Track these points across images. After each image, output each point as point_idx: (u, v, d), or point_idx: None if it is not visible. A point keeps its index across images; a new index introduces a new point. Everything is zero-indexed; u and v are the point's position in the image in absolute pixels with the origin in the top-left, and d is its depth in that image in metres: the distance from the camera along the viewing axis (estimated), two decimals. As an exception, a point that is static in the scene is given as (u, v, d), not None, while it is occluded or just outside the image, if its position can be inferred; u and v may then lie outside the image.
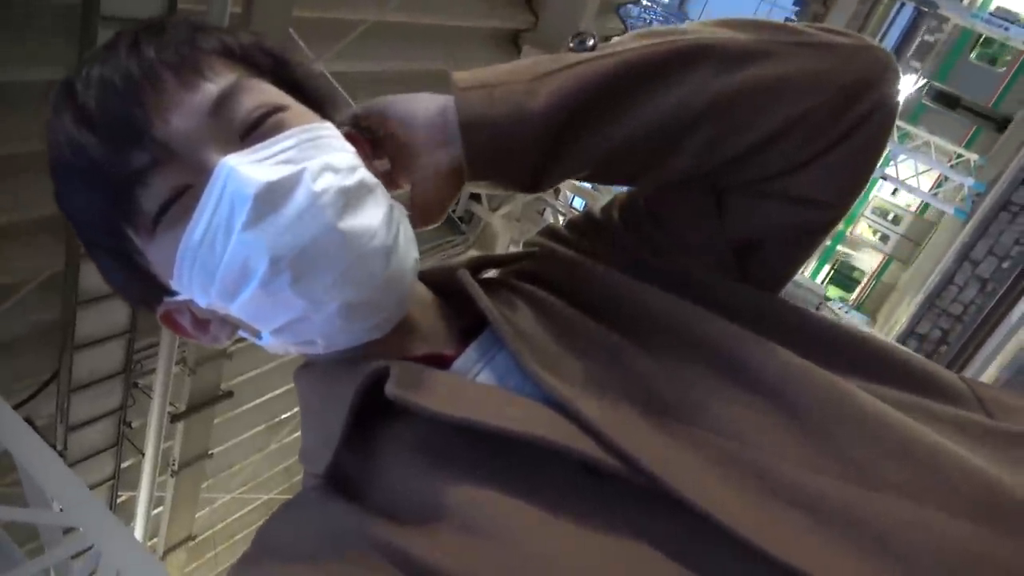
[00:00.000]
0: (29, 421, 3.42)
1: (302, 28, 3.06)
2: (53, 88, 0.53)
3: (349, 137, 0.59)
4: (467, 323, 0.59)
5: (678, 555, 0.43)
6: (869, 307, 11.62)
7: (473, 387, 0.52)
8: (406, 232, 0.56)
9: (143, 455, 3.73)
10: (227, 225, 0.48)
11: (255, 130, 0.52)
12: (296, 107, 0.55)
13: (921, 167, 10.94)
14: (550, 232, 0.70)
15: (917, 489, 0.45)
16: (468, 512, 0.46)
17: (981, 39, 11.20)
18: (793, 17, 10.93)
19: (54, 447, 3.47)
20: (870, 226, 13.16)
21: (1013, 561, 0.42)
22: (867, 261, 13.53)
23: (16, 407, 3.06)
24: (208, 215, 0.49)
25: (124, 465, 4.01)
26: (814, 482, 0.45)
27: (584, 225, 0.70)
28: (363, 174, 0.53)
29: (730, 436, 0.48)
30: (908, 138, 10.95)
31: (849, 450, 0.47)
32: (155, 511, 4.33)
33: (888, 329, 10.16)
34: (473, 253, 5.91)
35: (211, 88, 0.51)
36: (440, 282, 0.63)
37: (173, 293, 0.55)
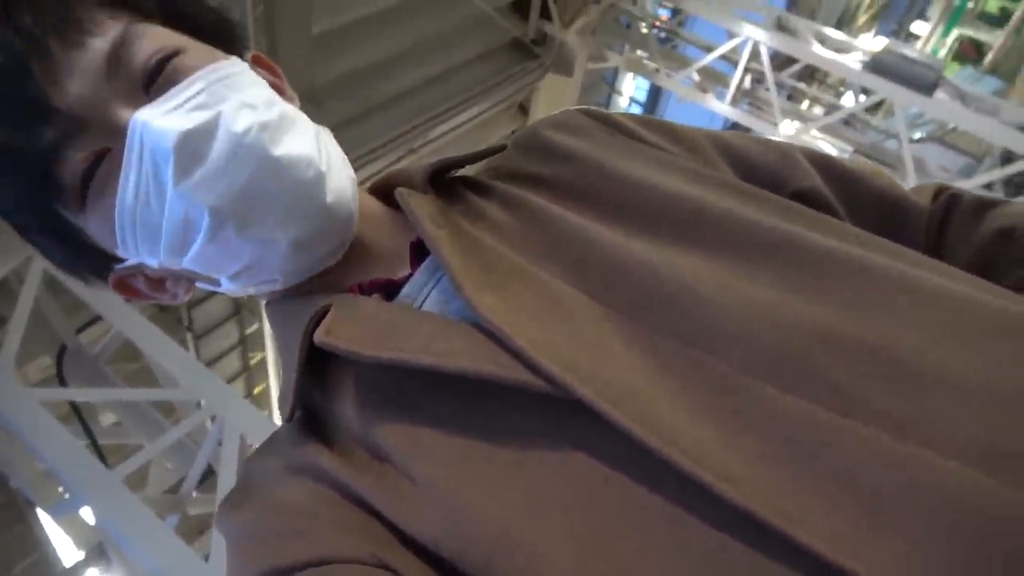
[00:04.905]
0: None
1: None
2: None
3: (257, 62, 0.58)
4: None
5: (621, 474, 0.40)
6: (1006, 70, 10.31)
7: (408, 319, 0.49)
8: (336, 152, 0.55)
9: (261, 321, 4.02)
10: (157, 182, 0.47)
11: (156, 78, 0.49)
12: (194, 47, 0.52)
13: None
14: (599, 116, 0.62)
15: (904, 421, 0.38)
16: (405, 458, 0.45)
17: None
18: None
19: (181, 321, 3.81)
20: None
21: (1008, 511, 0.34)
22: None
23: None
24: (134, 175, 0.47)
25: (249, 331, 4.36)
26: (782, 403, 0.39)
27: (673, 133, 0.61)
28: (282, 106, 0.52)
29: (699, 342, 0.43)
30: None
31: (833, 370, 0.40)
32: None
33: (1028, 92, 9.08)
34: (551, 78, 5.64)
35: (99, 44, 0.48)
36: (389, 195, 0.58)
37: (121, 260, 0.54)
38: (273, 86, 0.56)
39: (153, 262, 0.52)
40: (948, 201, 0.61)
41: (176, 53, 0.50)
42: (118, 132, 0.47)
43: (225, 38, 0.56)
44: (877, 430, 0.38)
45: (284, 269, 0.53)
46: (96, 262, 0.55)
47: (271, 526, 0.46)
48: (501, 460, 0.43)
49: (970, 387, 0.39)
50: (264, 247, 0.50)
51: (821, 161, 0.61)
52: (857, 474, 0.37)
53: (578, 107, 0.62)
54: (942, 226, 0.61)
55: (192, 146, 0.46)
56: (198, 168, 0.46)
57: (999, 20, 11.62)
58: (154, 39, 0.50)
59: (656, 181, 0.53)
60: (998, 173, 4.43)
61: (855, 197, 0.60)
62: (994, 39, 11.06)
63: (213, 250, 0.49)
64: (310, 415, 0.53)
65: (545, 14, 5.31)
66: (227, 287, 0.55)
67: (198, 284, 0.58)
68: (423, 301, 0.51)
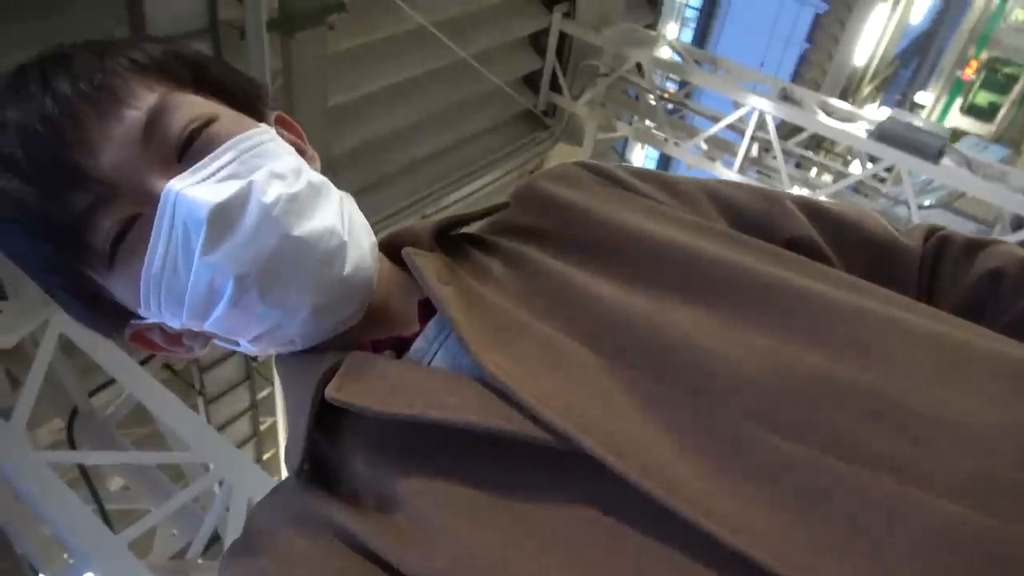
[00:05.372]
0: (168, 367, 3.77)
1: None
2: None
3: (280, 122, 0.60)
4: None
5: (627, 525, 0.41)
6: (1011, 137, 10.47)
7: (417, 376, 0.50)
8: (359, 220, 0.56)
9: (272, 385, 4.01)
10: (185, 250, 0.48)
11: (190, 147, 0.50)
12: (226, 114, 0.54)
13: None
14: (594, 168, 0.63)
15: (902, 463, 0.39)
16: (416, 505, 0.46)
17: None
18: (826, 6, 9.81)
19: (193, 386, 3.81)
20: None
21: (1008, 549, 0.35)
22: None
23: (150, 358, 3.34)
24: (163, 243, 0.48)
25: (260, 396, 4.35)
26: (784, 449, 0.40)
27: (673, 186, 0.62)
28: (309, 175, 0.53)
29: (700, 392, 0.44)
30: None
31: (832, 416, 0.41)
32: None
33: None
34: (561, 147, 5.75)
35: (135, 114, 0.50)
36: (398, 255, 0.60)
37: (140, 316, 0.55)
38: (295, 146, 0.58)
39: (175, 324, 0.53)
40: (939, 242, 0.62)
41: (209, 122, 0.52)
42: (150, 199, 0.48)
43: (252, 100, 0.58)
44: (878, 474, 0.38)
45: (304, 333, 0.54)
46: (115, 318, 0.56)
47: None
48: (509, 509, 0.43)
49: (967, 428, 0.40)
50: (285, 314, 0.51)
51: (810, 208, 0.62)
52: (861, 520, 0.37)
53: (575, 161, 0.65)
54: (934, 268, 0.61)
55: (224, 217, 0.47)
56: (227, 238, 0.47)
57: (988, 113, 11.97)
58: (189, 109, 0.52)
59: (651, 231, 0.54)
60: (1011, 238, 4.44)
61: (845, 241, 0.61)
62: (985, 131, 11.33)
63: (235, 315, 0.50)
64: (316, 465, 0.53)
65: (555, 87, 5.46)
66: (246, 348, 0.57)
67: (216, 340, 0.59)
68: (432, 357, 0.52)
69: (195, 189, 0.47)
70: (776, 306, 0.48)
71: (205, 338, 0.58)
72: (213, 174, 0.49)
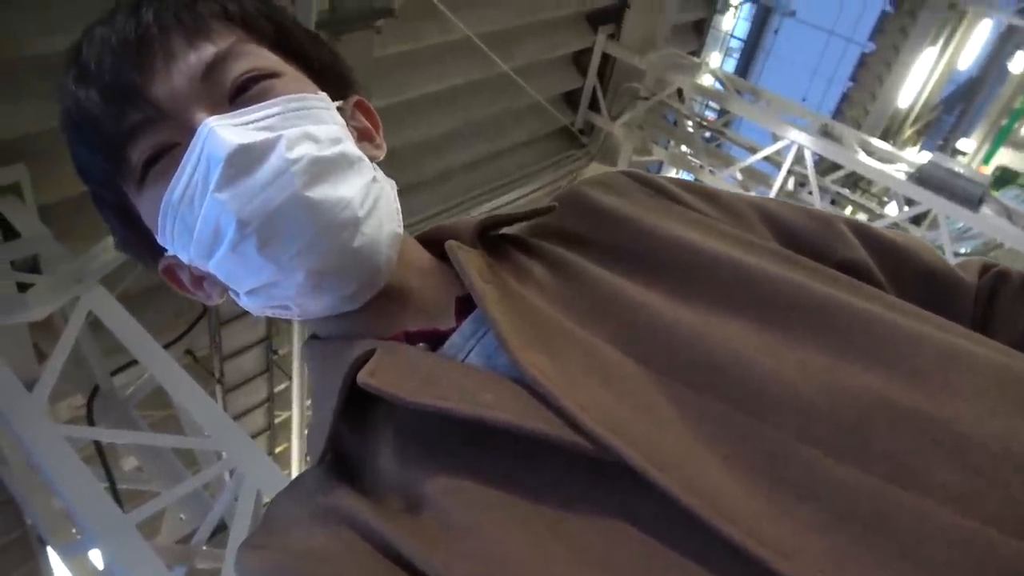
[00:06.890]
0: (190, 352, 3.81)
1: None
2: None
3: (358, 106, 0.60)
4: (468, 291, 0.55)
5: (664, 542, 0.39)
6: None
7: (453, 370, 0.49)
8: (387, 205, 0.54)
9: (291, 379, 4.04)
10: (203, 185, 0.49)
11: (243, 94, 0.52)
12: (291, 74, 0.55)
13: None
14: (640, 178, 0.62)
15: (965, 494, 0.37)
16: (445, 504, 0.44)
17: None
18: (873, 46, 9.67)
19: (212, 373, 3.85)
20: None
21: None
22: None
23: (173, 343, 3.39)
24: (188, 173, 0.49)
25: (278, 389, 4.38)
26: (838, 473, 0.39)
27: (723, 202, 0.61)
28: (344, 147, 0.52)
29: (750, 409, 0.42)
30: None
31: (889, 440, 0.40)
32: (309, 429, 4.71)
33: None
34: (596, 166, 5.76)
35: (207, 49, 0.52)
36: (439, 248, 0.59)
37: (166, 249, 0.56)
38: (363, 131, 0.58)
39: (184, 257, 0.53)
40: (995, 278, 0.60)
41: (270, 76, 0.53)
42: (189, 131, 0.49)
43: (330, 78, 0.58)
44: (937, 504, 0.37)
45: (299, 300, 0.53)
46: (149, 246, 0.57)
47: (294, 572, 0.45)
48: (543, 516, 0.42)
49: None
50: (281, 271, 0.50)
51: (865, 232, 0.60)
52: (918, 551, 0.35)
53: (620, 169, 0.63)
54: (989, 302, 0.59)
55: (242, 160, 0.48)
56: (240, 181, 0.48)
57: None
58: (254, 59, 0.53)
59: (698, 243, 0.53)
60: (1045, 293, 4.34)
61: (899, 269, 0.59)
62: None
63: (234, 260, 0.50)
64: (340, 459, 0.52)
65: (594, 106, 5.48)
66: (245, 302, 0.56)
67: (230, 293, 0.58)
68: (467, 354, 0.51)
69: (227, 131, 0.48)
70: (831, 325, 0.46)
71: (222, 288, 0.58)
72: (252, 122, 0.49)
